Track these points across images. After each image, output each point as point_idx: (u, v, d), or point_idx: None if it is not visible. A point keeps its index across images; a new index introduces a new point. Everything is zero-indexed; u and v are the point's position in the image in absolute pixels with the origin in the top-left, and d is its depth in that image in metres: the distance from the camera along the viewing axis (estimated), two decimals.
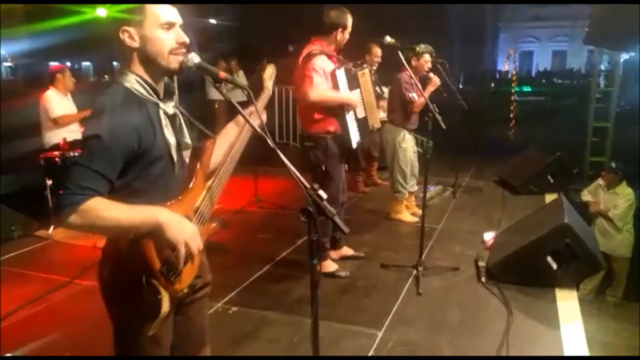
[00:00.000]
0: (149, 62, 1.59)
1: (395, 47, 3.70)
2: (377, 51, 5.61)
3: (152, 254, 1.51)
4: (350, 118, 3.55)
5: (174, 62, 1.59)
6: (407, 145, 4.95)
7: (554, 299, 3.46)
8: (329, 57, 3.56)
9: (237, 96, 1.69)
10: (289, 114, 8.65)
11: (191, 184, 1.69)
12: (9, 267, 4.13)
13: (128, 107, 1.52)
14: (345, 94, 3.51)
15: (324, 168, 3.59)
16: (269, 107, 2.07)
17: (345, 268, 3.96)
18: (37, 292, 3.56)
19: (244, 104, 1.80)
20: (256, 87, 1.99)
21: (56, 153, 4.77)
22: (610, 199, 5.57)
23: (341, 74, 3.51)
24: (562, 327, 3.12)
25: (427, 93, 4.55)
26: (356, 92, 3.64)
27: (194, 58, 1.65)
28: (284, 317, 3.28)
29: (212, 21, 14.59)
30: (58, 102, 5.06)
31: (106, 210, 1.44)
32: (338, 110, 3.53)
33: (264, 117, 1.92)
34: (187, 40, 1.60)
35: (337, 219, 1.61)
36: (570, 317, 3.24)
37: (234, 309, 3.39)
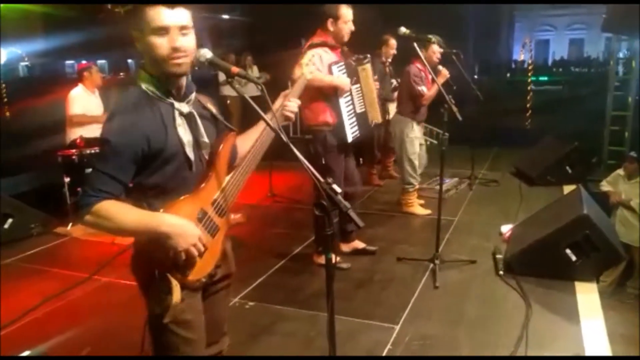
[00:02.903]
0: (155, 65, 1.59)
1: (411, 37, 3.68)
2: (393, 43, 5.59)
3: (159, 255, 1.58)
4: (345, 110, 3.55)
5: (174, 67, 1.57)
6: (415, 135, 4.95)
7: (573, 292, 3.41)
8: (332, 48, 3.57)
9: (251, 91, 1.68)
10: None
11: (208, 178, 1.70)
12: (29, 264, 4.20)
13: (139, 110, 1.57)
14: (334, 77, 3.50)
15: (323, 161, 3.59)
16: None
17: (360, 262, 3.96)
18: (56, 289, 3.60)
19: (258, 99, 1.78)
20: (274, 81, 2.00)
21: (73, 150, 4.82)
22: (632, 189, 5.46)
23: (337, 69, 3.53)
24: (582, 320, 3.08)
25: (434, 90, 4.62)
26: (355, 87, 3.63)
27: (207, 54, 1.65)
28: (299, 311, 3.29)
29: (225, 17, 14.59)
30: (82, 99, 5.12)
31: (115, 213, 1.53)
32: (334, 101, 3.54)
33: (296, 103, 1.96)
34: (180, 45, 1.55)
35: (352, 213, 1.60)
36: (590, 310, 3.19)
37: (251, 303, 3.40)
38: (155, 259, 1.59)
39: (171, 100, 1.63)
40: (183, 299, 1.63)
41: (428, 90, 4.73)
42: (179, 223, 1.57)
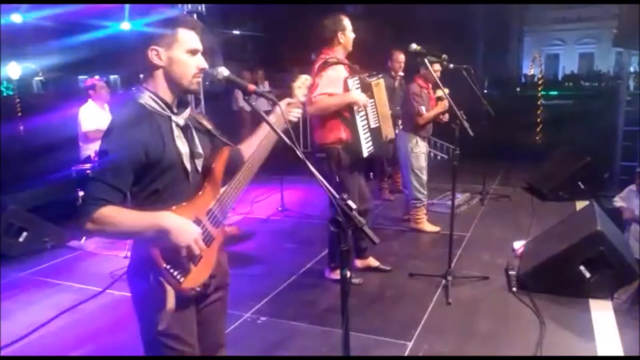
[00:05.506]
0: (171, 81, 1.72)
1: (422, 54, 3.69)
2: (399, 57, 5.60)
3: (156, 254, 1.63)
4: (360, 125, 3.53)
5: (194, 84, 1.75)
6: (420, 150, 4.93)
7: (587, 309, 3.39)
8: (345, 66, 3.58)
9: (262, 106, 1.74)
10: None
11: (203, 188, 1.77)
12: (42, 277, 4.22)
13: (137, 122, 1.65)
14: (347, 94, 3.48)
15: (337, 179, 3.55)
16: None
17: (372, 277, 3.94)
18: (70, 302, 3.63)
19: (268, 113, 1.83)
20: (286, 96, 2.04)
21: (88, 165, 4.87)
22: None
23: (353, 82, 3.51)
24: (597, 338, 3.05)
25: (434, 113, 4.73)
26: (369, 102, 3.62)
27: (223, 72, 1.72)
28: (312, 327, 3.28)
29: (236, 32, 14.77)
30: (94, 115, 5.18)
31: (116, 217, 1.59)
32: (348, 117, 3.52)
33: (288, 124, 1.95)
34: (206, 66, 1.74)
35: (367, 229, 1.60)
36: (605, 328, 3.16)
37: (263, 319, 3.40)
38: (152, 262, 1.62)
39: (168, 113, 1.72)
40: (176, 309, 1.67)
41: (428, 111, 4.75)
42: (179, 220, 1.62)
